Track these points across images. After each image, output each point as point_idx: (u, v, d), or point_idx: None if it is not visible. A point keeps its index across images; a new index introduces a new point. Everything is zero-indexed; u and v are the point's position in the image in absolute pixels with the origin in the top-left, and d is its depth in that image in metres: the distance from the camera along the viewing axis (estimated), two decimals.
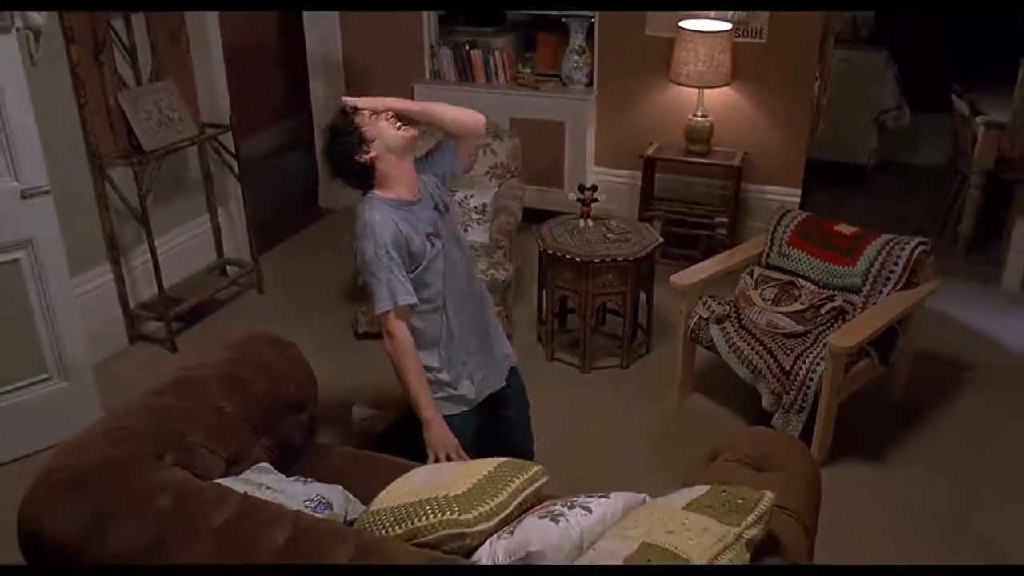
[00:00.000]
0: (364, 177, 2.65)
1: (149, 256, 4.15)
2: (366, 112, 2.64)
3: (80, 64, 3.76)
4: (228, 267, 4.83)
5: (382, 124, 2.64)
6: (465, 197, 4.46)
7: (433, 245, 2.65)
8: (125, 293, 4.21)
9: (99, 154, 3.93)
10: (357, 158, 2.61)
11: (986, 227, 5.28)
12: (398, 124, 2.65)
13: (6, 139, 3.09)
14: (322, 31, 5.56)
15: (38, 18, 3.42)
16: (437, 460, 2.57)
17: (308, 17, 5.56)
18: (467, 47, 5.44)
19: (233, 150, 4.54)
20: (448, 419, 2.66)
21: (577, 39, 5.19)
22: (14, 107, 3.08)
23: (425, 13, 5.43)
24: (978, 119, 5.10)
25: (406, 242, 2.58)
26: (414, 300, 2.59)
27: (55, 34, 3.64)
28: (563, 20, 5.22)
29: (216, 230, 4.76)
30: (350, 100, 2.68)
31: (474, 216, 4.42)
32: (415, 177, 2.70)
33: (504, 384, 2.92)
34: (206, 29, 4.53)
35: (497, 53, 5.39)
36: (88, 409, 3.50)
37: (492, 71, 5.42)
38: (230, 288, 4.73)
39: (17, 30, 3.17)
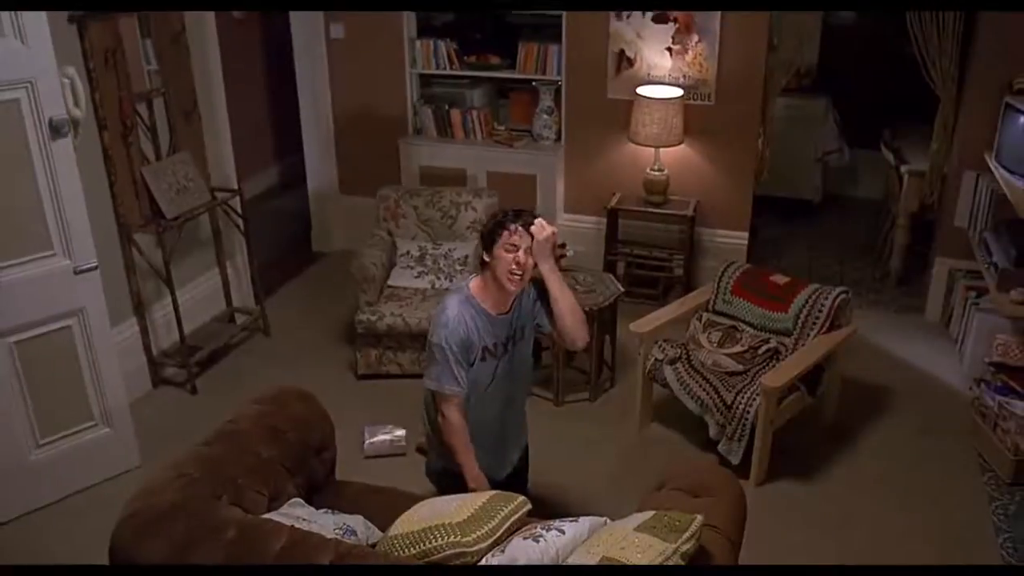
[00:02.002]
0: (482, 260, 2.96)
1: (169, 309, 4.63)
2: (524, 238, 2.83)
3: (111, 146, 4.23)
4: (236, 314, 5.29)
5: (506, 258, 2.83)
6: (449, 249, 5.01)
7: (484, 360, 2.95)
8: (149, 343, 4.66)
9: (127, 223, 4.39)
10: (484, 248, 2.93)
11: (916, 261, 5.77)
12: (517, 272, 2.83)
13: (64, 225, 3.55)
14: (314, 85, 6.02)
15: (78, 112, 3.93)
16: None
17: (300, 67, 6.00)
18: (446, 107, 5.95)
19: (240, 210, 5.04)
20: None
21: (546, 101, 5.73)
22: (70, 199, 3.54)
23: (408, 73, 5.91)
24: (903, 168, 5.62)
25: (468, 347, 2.89)
26: (459, 391, 2.90)
27: (90, 121, 4.11)
28: (533, 83, 5.78)
29: (225, 282, 5.22)
30: (539, 225, 2.86)
31: (457, 267, 4.97)
32: (508, 303, 2.95)
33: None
34: (215, 105, 5.02)
35: (474, 112, 5.89)
36: (128, 451, 4.01)
37: (470, 128, 5.94)
38: (240, 334, 5.20)
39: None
